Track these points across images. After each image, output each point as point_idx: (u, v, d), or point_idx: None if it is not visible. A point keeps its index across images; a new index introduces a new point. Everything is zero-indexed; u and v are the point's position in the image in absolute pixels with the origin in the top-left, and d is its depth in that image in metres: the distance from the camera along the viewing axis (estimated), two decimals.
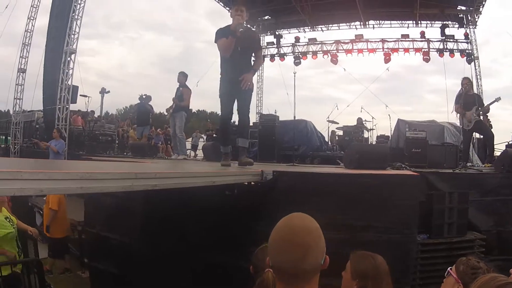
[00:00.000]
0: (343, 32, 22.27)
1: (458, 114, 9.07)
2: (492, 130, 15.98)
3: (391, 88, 71.92)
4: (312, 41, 22.43)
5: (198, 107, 67.35)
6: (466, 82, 9.09)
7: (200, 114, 64.59)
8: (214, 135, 16.10)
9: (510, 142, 13.35)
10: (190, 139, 20.79)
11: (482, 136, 10.53)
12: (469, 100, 8.84)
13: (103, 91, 25.57)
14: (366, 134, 14.07)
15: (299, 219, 1.64)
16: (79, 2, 15.66)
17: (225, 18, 20.98)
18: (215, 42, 5.92)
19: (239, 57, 5.97)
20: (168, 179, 3.25)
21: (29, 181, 2.21)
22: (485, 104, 9.01)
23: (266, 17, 22.66)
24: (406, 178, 4.46)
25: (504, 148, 14.12)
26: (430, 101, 79.61)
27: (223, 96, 6.14)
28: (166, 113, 10.78)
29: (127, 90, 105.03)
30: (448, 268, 2.63)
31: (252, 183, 4.65)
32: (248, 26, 7.26)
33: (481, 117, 9.05)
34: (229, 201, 4.62)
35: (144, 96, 13.63)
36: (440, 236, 5.88)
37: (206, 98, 66.06)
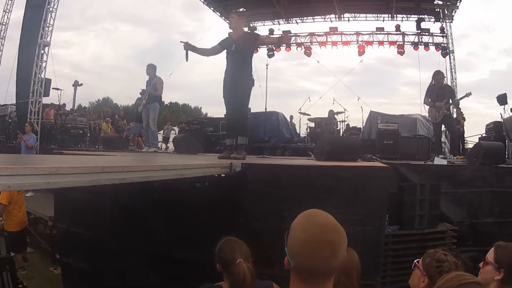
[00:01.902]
0: (317, 24, 22.24)
1: (428, 107, 9.09)
2: (465, 122, 16.42)
3: (365, 81, 72.59)
4: (286, 33, 22.37)
5: (171, 99, 67.25)
6: (440, 76, 9.11)
7: (172, 106, 64.43)
8: (187, 128, 15.90)
9: (483, 135, 13.60)
10: (161, 132, 20.72)
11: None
12: (440, 93, 8.85)
13: (76, 84, 25.13)
14: (338, 126, 14.13)
15: (322, 216, 1.61)
16: None
17: (200, 10, 20.87)
18: None
19: (231, 59, 6.44)
20: (136, 173, 3.17)
21: None
22: (456, 98, 9.07)
23: (241, 9, 22.51)
24: (377, 170, 4.41)
25: (477, 141, 14.48)
26: (405, 93, 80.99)
27: (223, 93, 6.53)
28: (138, 107, 10.51)
29: (101, 83, 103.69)
30: (415, 261, 2.61)
31: (223, 175, 4.54)
32: (246, 29, 7.55)
33: (451, 111, 9.06)
34: (198, 195, 4.52)
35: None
36: (411, 227, 5.87)
37: (178, 90, 65.90)
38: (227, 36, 6.79)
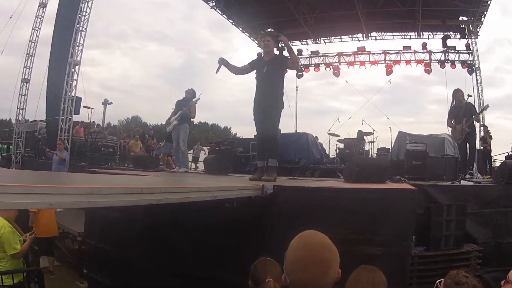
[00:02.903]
0: (345, 44, 22.33)
1: (450, 128, 9.11)
2: (491, 141, 16.20)
3: (393, 99, 72.14)
4: (315, 53, 22.60)
5: (200, 119, 67.38)
6: (458, 94, 9.14)
7: (202, 126, 64.89)
8: (217, 148, 16.06)
9: (510, 153, 13.39)
10: (191, 151, 20.83)
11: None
12: (460, 112, 8.89)
13: (105, 102, 25.66)
14: (366, 147, 14.17)
15: (315, 236, 1.76)
16: (84, 14, 15.86)
17: (226, 28, 21.20)
18: None
19: (262, 81, 6.49)
20: (172, 194, 3.29)
21: (40, 195, 2.28)
22: (476, 115, 9.04)
23: (269, 30, 22.75)
24: (403, 192, 4.53)
25: (503, 159, 14.24)
26: (432, 111, 79.59)
27: (253, 115, 6.60)
28: (168, 126, 10.62)
29: (130, 102, 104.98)
30: (437, 281, 2.72)
31: (252, 197, 4.69)
32: (277, 53, 7.68)
33: (473, 128, 9.00)
34: (228, 215, 4.66)
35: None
36: (437, 248, 5.92)
37: (208, 110, 66.17)
38: (257, 56, 6.95)
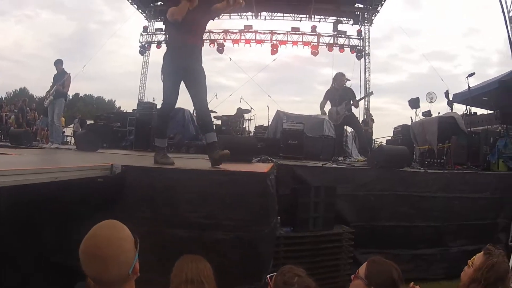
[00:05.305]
0: (233, 21, 22.28)
1: (328, 109, 9.15)
2: (373, 124, 16.90)
3: (282, 78, 73.46)
4: None
5: (85, 91, 64.32)
6: (341, 78, 9.21)
7: (86, 98, 61.74)
8: (93, 123, 15.38)
9: (392, 137, 13.99)
10: (72, 126, 20.26)
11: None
12: (341, 96, 8.96)
13: None
14: (244, 124, 14.03)
15: (104, 229, 1.64)
16: None
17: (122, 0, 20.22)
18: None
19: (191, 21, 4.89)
20: (7, 177, 2.89)
21: None
22: (357, 99, 9.18)
23: (158, 3, 21.98)
24: (255, 175, 4.29)
25: (385, 143, 14.92)
26: (320, 91, 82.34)
27: (169, 76, 5.10)
28: (45, 100, 10.35)
29: (19, 72, 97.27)
30: (268, 276, 2.45)
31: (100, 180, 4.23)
32: None
33: (352, 112, 9.14)
34: (73, 200, 4.17)
35: None
36: (305, 229, 5.91)
37: (94, 81, 63.34)
38: None
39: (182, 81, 5.11)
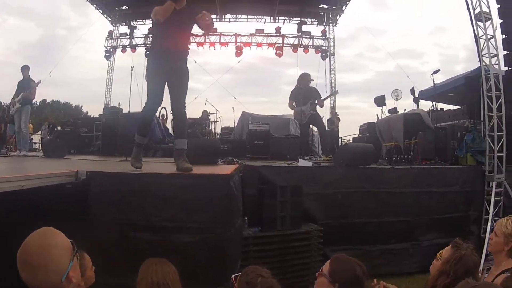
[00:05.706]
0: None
1: (293, 110, 9.24)
2: (339, 123, 17.08)
3: (248, 80, 73.76)
4: None
5: (52, 97, 62.79)
6: (306, 78, 9.29)
7: (53, 104, 60.44)
8: (60, 129, 15.10)
9: (358, 135, 14.14)
10: (39, 133, 19.72)
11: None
12: (307, 96, 9.05)
13: None
14: (210, 127, 14.07)
15: (36, 237, 1.63)
16: None
17: (87, 5, 19.59)
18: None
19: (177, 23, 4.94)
20: None
21: None
22: (322, 98, 9.28)
23: (123, 7, 21.65)
24: (217, 178, 4.32)
25: (351, 141, 15.07)
26: (286, 92, 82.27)
27: (153, 77, 5.08)
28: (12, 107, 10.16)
29: None
30: (233, 276, 2.47)
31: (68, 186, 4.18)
32: None
33: (315, 111, 9.22)
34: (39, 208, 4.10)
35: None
36: (272, 229, 5.93)
37: (61, 87, 62.01)
38: None
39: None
